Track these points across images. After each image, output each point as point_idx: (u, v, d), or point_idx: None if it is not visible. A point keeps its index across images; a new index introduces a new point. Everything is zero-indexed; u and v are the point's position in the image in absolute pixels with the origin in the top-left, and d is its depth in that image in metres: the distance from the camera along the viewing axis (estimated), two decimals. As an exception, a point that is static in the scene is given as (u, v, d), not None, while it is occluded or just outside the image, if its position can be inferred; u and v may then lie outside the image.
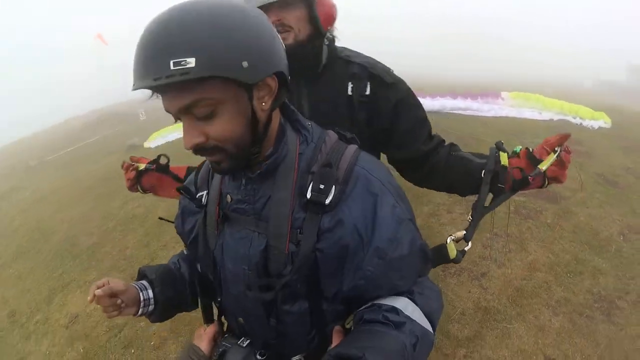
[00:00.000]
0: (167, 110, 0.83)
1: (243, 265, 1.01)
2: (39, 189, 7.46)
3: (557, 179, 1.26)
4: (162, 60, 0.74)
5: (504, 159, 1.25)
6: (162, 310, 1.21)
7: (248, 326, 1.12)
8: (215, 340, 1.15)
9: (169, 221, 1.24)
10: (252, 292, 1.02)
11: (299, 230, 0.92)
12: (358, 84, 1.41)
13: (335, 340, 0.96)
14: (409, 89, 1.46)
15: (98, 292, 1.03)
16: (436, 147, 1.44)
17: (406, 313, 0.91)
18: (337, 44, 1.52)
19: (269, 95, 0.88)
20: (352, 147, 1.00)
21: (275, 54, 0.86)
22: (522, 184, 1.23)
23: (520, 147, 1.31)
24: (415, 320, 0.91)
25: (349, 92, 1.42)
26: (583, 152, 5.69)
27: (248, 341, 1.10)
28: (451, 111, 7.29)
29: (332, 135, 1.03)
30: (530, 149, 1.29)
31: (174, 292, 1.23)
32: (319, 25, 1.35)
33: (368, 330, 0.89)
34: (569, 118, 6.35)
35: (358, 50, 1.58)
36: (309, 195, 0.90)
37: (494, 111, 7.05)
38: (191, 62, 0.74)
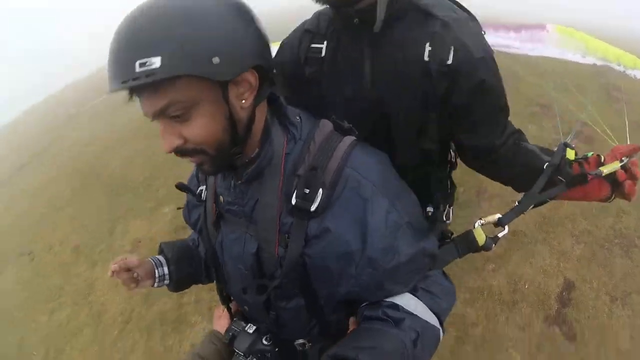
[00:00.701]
0: (145, 115, 0.80)
1: (239, 265, 1.02)
2: (82, 137, 7.31)
3: (629, 195, 1.09)
4: (128, 62, 0.71)
5: (570, 154, 1.12)
6: (177, 285, 1.29)
7: (251, 316, 1.17)
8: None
9: (185, 189, 1.11)
10: (248, 293, 1.06)
11: (287, 235, 0.90)
12: (439, 47, 1.10)
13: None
14: (495, 64, 1.18)
15: (114, 266, 1.10)
16: (508, 138, 1.23)
17: (407, 309, 0.90)
18: None
19: (249, 92, 0.84)
20: (345, 143, 0.92)
21: (252, 45, 0.81)
22: (579, 180, 1.07)
23: (592, 153, 1.15)
24: (416, 315, 0.90)
25: (426, 57, 1.11)
26: (621, 99, 5.62)
27: (255, 327, 1.12)
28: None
29: (324, 128, 0.95)
30: (602, 157, 1.13)
31: (189, 269, 1.28)
32: None
33: (367, 329, 0.89)
34: (613, 65, 6.16)
35: None
36: (293, 202, 0.87)
37: (537, 50, 6.75)
38: (156, 61, 0.70)
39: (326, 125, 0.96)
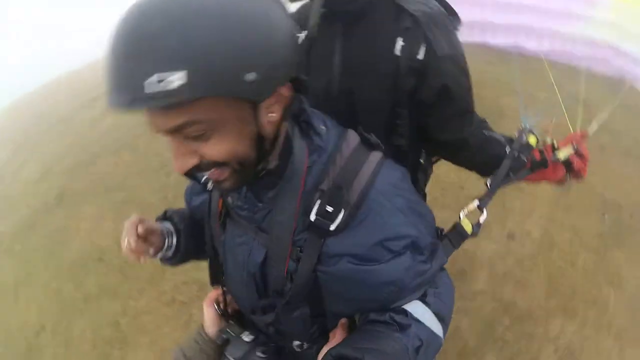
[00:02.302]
0: (151, 127, 0.67)
1: (242, 272, 0.95)
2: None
3: (578, 174, 1.28)
4: (139, 75, 0.57)
5: (532, 140, 1.24)
6: (180, 259, 1.14)
7: (248, 318, 1.08)
8: (220, 317, 1.10)
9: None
10: (255, 315, 0.99)
11: (299, 249, 0.84)
12: (411, 43, 1.11)
13: (338, 335, 0.92)
14: (462, 63, 1.18)
15: (140, 231, 0.96)
16: (475, 129, 1.28)
17: (415, 316, 0.86)
18: None
19: (279, 104, 0.73)
20: (373, 161, 0.86)
21: (290, 53, 0.68)
22: (542, 164, 1.23)
23: (551, 139, 1.30)
24: (423, 324, 0.86)
25: (397, 52, 1.12)
26: None
27: (252, 337, 1.03)
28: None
29: (351, 140, 0.88)
30: (556, 143, 1.29)
31: (195, 243, 1.14)
32: None
33: (370, 331, 0.85)
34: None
35: None
36: (312, 218, 0.80)
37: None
38: (179, 78, 0.56)
39: (353, 137, 0.89)
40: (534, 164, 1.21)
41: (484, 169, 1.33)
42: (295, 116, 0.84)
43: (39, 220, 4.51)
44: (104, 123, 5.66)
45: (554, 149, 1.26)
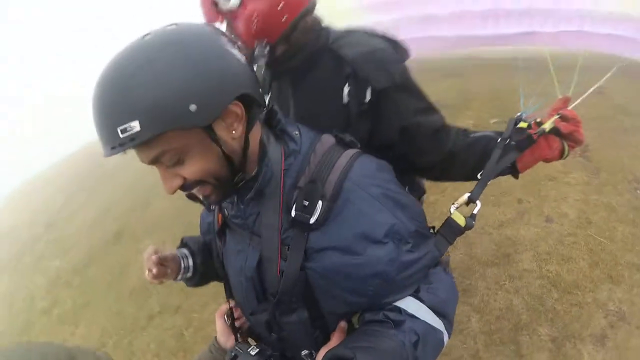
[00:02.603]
0: (142, 162, 0.83)
1: (240, 278, 1.02)
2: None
3: (573, 137, 1.14)
4: (110, 129, 0.74)
5: (522, 125, 1.17)
6: (200, 279, 1.28)
7: (255, 330, 1.15)
8: (230, 329, 1.14)
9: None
10: (253, 316, 1.06)
11: (287, 247, 0.90)
12: (355, 88, 1.15)
13: (336, 337, 0.94)
14: (409, 82, 1.22)
15: (154, 258, 1.12)
16: (455, 139, 1.24)
17: (409, 311, 0.88)
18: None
19: (237, 122, 0.84)
20: (346, 156, 0.93)
21: (228, 78, 0.80)
22: (527, 142, 1.13)
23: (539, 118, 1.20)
24: (418, 318, 0.88)
25: (345, 100, 1.17)
26: None
27: (257, 350, 1.04)
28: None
29: (325, 141, 0.96)
30: (540, 119, 1.19)
31: (210, 265, 1.25)
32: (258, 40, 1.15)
33: (366, 331, 0.87)
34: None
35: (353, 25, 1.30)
36: (293, 214, 0.88)
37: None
38: (135, 125, 0.72)
39: (327, 139, 0.97)
40: (519, 144, 1.14)
41: (480, 169, 1.21)
42: (270, 125, 0.97)
43: (97, 255, 4.85)
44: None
45: (538, 124, 1.16)
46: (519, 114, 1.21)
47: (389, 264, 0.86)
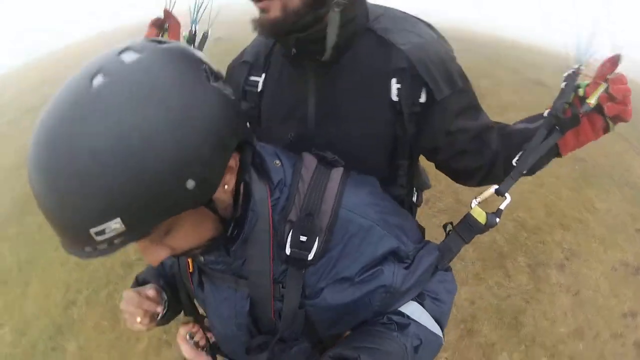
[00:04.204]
0: None
1: (231, 327, 0.91)
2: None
3: (619, 117, 0.93)
4: (77, 230, 0.55)
5: (580, 85, 0.95)
6: (172, 313, 1.09)
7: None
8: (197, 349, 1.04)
9: None
10: (250, 355, 0.91)
11: (281, 285, 0.81)
12: (409, 85, 0.94)
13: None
14: (470, 84, 1.03)
15: (152, 294, 0.98)
16: (497, 138, 1.05)
17: (413, 317, 0.86)
18: None
19: (230, 174, 0.69)
20: (335, 181, 0.82)
21: (225, 129, 0.62)
22: (572, 122, 0.94)
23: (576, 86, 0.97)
24: (421, 325, 0.86)
25: (394, 97, 0.95)
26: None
27: None
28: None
29: (309, 164, 0.84)
30: (583, 90, 0.95)
31: (177, 298, 1.07)
32: None
33: (369, 331, 0.83)
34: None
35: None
36: (288, 252, 0.77)
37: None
38: (116, 226, 0.54)
39: (310, 161, 0.85)
40: (562, 125, 0.94)
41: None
42: (249, 159, 0.76)
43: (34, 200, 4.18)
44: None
45: (581, 99, 0.95)
46: (574, 67, 0.96)
47: (392, 276, 0.82)
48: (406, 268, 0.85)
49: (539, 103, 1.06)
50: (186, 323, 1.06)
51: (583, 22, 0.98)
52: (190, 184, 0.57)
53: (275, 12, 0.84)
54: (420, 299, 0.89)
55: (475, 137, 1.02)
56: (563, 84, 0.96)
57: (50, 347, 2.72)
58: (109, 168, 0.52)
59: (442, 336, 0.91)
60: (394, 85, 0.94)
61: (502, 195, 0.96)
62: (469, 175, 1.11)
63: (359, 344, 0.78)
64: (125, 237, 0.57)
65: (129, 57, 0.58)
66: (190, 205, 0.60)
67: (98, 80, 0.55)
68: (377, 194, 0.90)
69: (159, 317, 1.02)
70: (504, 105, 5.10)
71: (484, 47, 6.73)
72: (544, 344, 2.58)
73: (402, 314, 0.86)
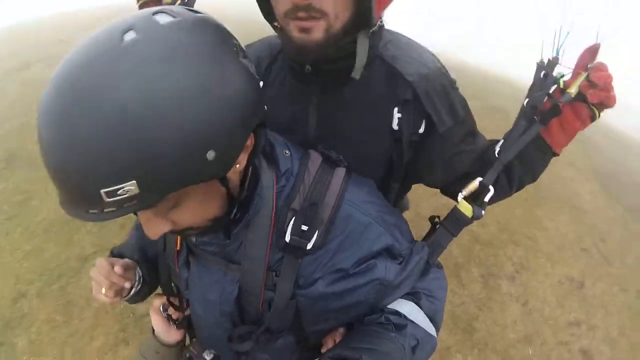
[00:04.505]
0: None
1: (214, 312, 0.89)
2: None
3: (604, 104, 0.93)
4: (86, 189, 0.53)
5: (559, 78, 0.96)
6: (146, 292, 1.08)
7: (220, 355, 1.02)
8: (169, 322, 1.02)
9: None
10: (232, 343, 0.89)
11: (274, 273, 0.81)
12: (410, 116, 0.97)
13: (327, 344, 0.90)
14: (468, 115, 1.05)
15: (119, 271, 0.92)
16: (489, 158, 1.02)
17: (409, 317, 0.86)
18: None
19: (244, 153, 0.68)
20: (339, 177, 0.84)
21: (249, 104, 0.62)
22: (553, 112, 0.93)
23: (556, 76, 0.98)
24: (418, 325, 0.86)
25: (395, 125, 0.98)
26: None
27: (213, 354, 0.99)
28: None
29: (315, 159, 0.86)
30: (562, 82, 0.95)
31: (154, 275, 1.06)
32: (371, 11, 0.83)
33: (367, 331, 0.83)
34: None
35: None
36: (288, 239, 0.77)
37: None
38: (131, 188, 0.53)
39: (316, 157, 0.87)
40: (542, 115, 0.95)
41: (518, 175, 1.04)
42: (260, 146, 0.75)
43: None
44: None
45: (562, 90, 0.95)
46: (551, 56, 0.97)
47: (386, 270, 0.84)
48: (399, 264, 0.87)
49: (498, 128, 1.11)
50: (161, 295, 1.04)
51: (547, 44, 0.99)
52: (211, 154, 0.56)
53: (318, 33, 0.81)
54: (416, 298, 0.90)
55: (476, 160, 1.04)
56: (535, 75, 0.99)
57: None
58: (133, 126, 0.51)
59: (436, 337, 0.91)
60: (396, 115, 0.97)
61: (486, 187, 0.97)
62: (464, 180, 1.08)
63: (358, 345, 0.78)
64: (136, 202, 0.55)
65: (163, 19, 0.57)
66: (207, 177, 0.59)
67: (130, 35, 0.54)
68: (375, 194, 0.93)
69: (130, 294, 1.00)
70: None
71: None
72: (496, 348, 2.67)
73: (399, 314, 0.86)
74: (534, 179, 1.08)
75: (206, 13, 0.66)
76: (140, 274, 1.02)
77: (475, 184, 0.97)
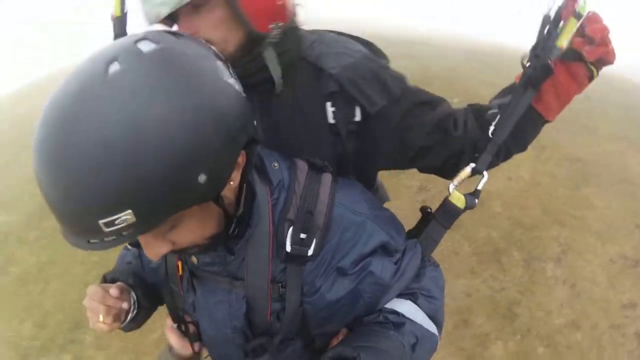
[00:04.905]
0: None
1: (226, 330, 0.91)
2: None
3: (602, 60, 0.86)
4: (86, 221, 0.55)
5: (563, 38, 0.87)
6: (143, 317, 1.07)
7: None
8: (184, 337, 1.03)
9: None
10: (248, 359, 0.92)
11: (280, 284, 0.83)
12: (342, 107, 0.99)
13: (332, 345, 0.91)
14: (408, 90, 1.02)
15: (115, 294, 0.93)
16: (465, 126, 1.02)
17: (408, 315, 0.87)
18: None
19: (237, 170, 0.70)
20: (326, 183, 0.86)
21: (237, 123, 0.63)
22: (543, 73, 0.86)
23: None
24: (416, 323, 0.87)
25: (331, 120, 1.00)
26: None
27: None
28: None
29: (302, 167, 0.87)
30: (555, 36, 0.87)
31: (151, 298, 1.07)
32: (250, 27, 0.89)
33: (366, 330, 0.85)
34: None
35: (330, 28, 1.10)
36: (288, 249, 0.80)
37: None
38: (127, 217, 0.55)
39: (302, 165, 0.88)
40: (532, 79, 0.89)
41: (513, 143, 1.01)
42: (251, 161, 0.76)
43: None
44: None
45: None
46: (547, 10, 0.88)
47: (382, 269, 0.86)
48: (395, 263, 0.89)
49: None
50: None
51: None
52: (202, 178, 0.58)
53: None
54: (413, 298, 0.90)
55: (432, 132, 1.01)
56: (539, 31, 0.90)
57: (69, 340, 2.82)
58: (122, 159, 0.52)
59: (437, 334, 0.92)
60: (329, 109, 0.99)
61: (480, 173, 0.94)
62: (446, 170, 1.07)
63: (357, 343, 0.79)
64: (135, 229, 0.57)
65: (146, 47, 0.58)
66: (201, 200, 0.61)
67: (114, 67, 0.55)
68: (366, 194, 0.96)
69: (128, 318, 0.99)
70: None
71: (488, 57, 6.85)
72: (540, 334, 2.57)
73: (397, 313, 0.87)
74: (524, 148, 1.04)
75: (188, 35, 0.70)
76: (135, 299, 1.03)
77: (467, 171, 0.94)
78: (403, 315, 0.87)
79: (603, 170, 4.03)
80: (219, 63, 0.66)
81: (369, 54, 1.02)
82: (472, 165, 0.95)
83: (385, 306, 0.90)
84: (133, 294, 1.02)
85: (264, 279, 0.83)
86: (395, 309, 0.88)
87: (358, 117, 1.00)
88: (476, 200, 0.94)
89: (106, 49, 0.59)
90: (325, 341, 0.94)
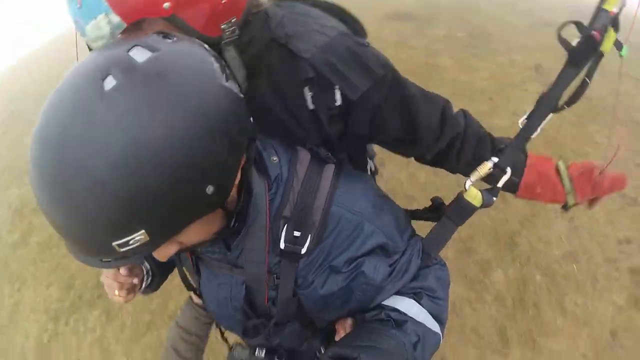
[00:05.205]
0: None
1: (227, 308, 0.95)
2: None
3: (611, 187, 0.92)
4: (99, 243, 0.55)
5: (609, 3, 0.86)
6: (157, 283, 1.14)
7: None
8: None
9: None
10: (247, 337, 1.00)
11: (275, 275, 0.85)
12: (321, 93, 0.92)
13: (339, 332, 0.91)
14: (391, 73, 0.94)
15: (124, 272, 0.99)
16: (466, 121, 1.02)
17: (409, 314, 0.86)
18: None
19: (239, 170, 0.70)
20: (328, 175, 0.84)
21: (239, 129, 0.63)
22: (588, 46, 0.87)
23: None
24: (418, 322, 0.86)
25: (310, 105, 0.93)
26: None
27: (265, 350, 1.05)
28: None
29: (303, 159, 0.85)
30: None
31: (161, 266, 1.12)
32: (198, 35, 0.83)
33: (367, 329, 0.84)
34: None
35: None
36: (282, 246, 0.80)
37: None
38: (141, 237, 0.55)
39: (304, 156, 0.86)
40: (573, 55, 0.90)
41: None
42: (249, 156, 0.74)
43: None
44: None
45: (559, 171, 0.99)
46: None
47: (374, 270, 0.84)
48: (391, 265, 0.86)
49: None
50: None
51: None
52: (210, 189, 0.58)
53: None
54: (417, 297, 0.89)
55: (410, 130, 0.99)
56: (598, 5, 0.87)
57: (96, 295, 2.89)
58: (130, 180, 0.51)
59: (440, 333, 0.90)
60: (308, 94, 0.92)
61: (503, 170, 0.88)
62: (432, 162, 1.08)
63: (358, 343, 0.78)
64: (149, 247, 0.58)
65: (140, 56, 0.56)
66: (210, 209, 0.62)
67: (109, 83, 0.52)
68: (370, 190, 0.91)
69: (142, 288, 1.06)
70: (512, 47, 5.01)
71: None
72: (538, 263, 2.62)
73: (399, 311, 0.86)
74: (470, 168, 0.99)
75: (182, 36, 0.65)
76: (148, 268, 1.08)
77: (488, 166, 0.88)
78: (405, 314, 0.86)
79: (610, 109, 3.95)
80: (216, 65, 0.63)
81: (345, 30, 0.95)
82: (495, 160, 0.89)
83: (387, 304, 0.88)
84: (146, 264, 1.08)
85: (262, 269, 0.84)
86: (397, 307, 0.87)
87: (339, 102, 0.93)
88: (494, 199, 0.89)
89: (97, 59, 0.56)
90: (323, 322, 0.95)
